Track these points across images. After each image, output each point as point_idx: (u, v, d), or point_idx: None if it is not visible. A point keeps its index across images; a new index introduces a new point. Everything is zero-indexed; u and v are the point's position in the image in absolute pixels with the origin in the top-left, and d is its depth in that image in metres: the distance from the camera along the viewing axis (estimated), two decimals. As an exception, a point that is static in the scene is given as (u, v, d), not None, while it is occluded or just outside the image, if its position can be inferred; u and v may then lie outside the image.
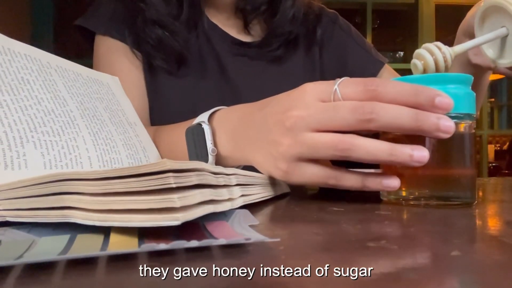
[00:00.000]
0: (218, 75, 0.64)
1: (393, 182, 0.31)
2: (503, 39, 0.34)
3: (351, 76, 0.32)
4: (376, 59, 0.71)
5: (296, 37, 0.68)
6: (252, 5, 0.63)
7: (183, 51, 0.60)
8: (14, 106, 0.30)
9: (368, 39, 3.13)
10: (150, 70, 0.62)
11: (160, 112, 0.61)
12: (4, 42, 0.34)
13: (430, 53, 0.32)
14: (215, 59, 0.64)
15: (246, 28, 0.65)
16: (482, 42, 0.34)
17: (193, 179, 0.19)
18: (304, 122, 0.31)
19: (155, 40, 0.58)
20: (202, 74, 0.63)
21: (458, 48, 0.33)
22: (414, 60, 0.33)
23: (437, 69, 0.32)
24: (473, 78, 0.31)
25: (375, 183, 0.32)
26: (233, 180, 0.26)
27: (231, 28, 0.66)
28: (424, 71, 0.33)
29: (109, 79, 0.46)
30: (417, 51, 0.33)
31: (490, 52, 0.37)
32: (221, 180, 0.23)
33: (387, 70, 0.72)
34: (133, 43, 0.61)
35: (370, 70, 0.70)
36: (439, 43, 0.33)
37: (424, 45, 0.33)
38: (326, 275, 0.14)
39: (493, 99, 4.02)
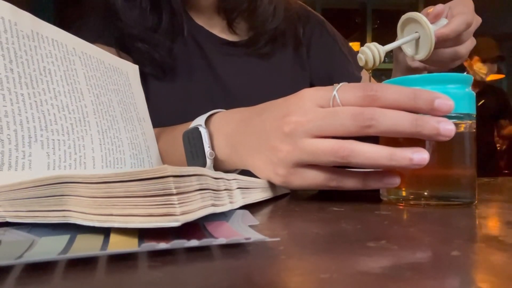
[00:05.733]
0: (208, 76, 0.64)
1: (394, 179, 0.31)
2: (417, 40, 0.47)
3: (336, 80, 0.32)
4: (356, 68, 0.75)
5: (283, 35, 0.69)
6: (232, 4, 0.64)
7: (166, 60, 0.61)
8: (30, 101, 0.30)
9: (368, 39, 3.14)
10: (141, 76, 0.62)
11: (152, 116, 0.62)
12: (34, 25, 0.33)
13: (370, 50, 0.43)
14: (204, 60, 0.65)
15: (230, 27, 0.66)
16: (403, 43, 0.47)
17: (193, 183, 0.19)
18: (303, 128, 0.31)
19: (137, 52, 0.59)
20: (192, 76, 0.64)
21: (387, 47, 0.45)
22: (359, 55, 0.43)
23: (374, 62, 0.43)
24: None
25: (376, 181, 0.32)
26: (234, 185, 0.26)
27: (216, 27, 0.67)
28: (366, 62, 0.43)
29: (129, 67, 0.46)
30: (361, 48, 0.43)
31: (408, 50, 0.49)
32: (221, 185, 0.23)
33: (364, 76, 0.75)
34: (122, 52, 0.61)
35: (354, 79, 0.73)
36: (375, 43, 0.43)
37: (366, 44, 0.44)
38: (326, 275, 0.14)
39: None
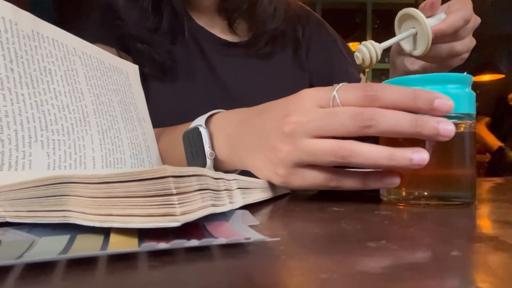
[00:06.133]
0: (208, 76, 0.64)
1: (394, 179, 0.31)
2: (414, 36, 0.47)
3: (336, 81, 0.32)
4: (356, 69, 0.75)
5: (284, 35, 0.70)
6: (233, 5, 0.64)
7: (166, 61, 0.61)
8: (30, 101, 0.30)
9: (368, 39, 3.14)
10: (141, 76, 0.63)
11: (152, 116, 0.62)
12: (35, 25, 0.33)
13: (366, 48, 0.43)
14: (204, 61, 0.65)
15: (231, 27, 0.66)
16: (400, 39, 0.46)
17: (193, 184, 0.19)
18: (303, 128, 0.31)
19: (137, 53, 0.59)
20: (192, 77, 0.64)
21: (384, 44, 0.44)
22: (356, 53, 0.43)
23: (371, 59, 0.43)
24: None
25: (376, 181, 0.32)
26: (234, 185, 0.26)
27: (216, 28, 0.67)
28: (363, 60, 0.43)
29: (129, 67, 0.46)
30: (358, 46, 0.43)
31: (406, 46, 0.49)
32: (221, 185, 0.23)
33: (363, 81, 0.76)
34: (122, 52, 0.61)
35: (353, 80, 0.73)
36: (372, 41, 0.43)
37: (362, 42, 0.44)
38: (326, 275, 0.14)
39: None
